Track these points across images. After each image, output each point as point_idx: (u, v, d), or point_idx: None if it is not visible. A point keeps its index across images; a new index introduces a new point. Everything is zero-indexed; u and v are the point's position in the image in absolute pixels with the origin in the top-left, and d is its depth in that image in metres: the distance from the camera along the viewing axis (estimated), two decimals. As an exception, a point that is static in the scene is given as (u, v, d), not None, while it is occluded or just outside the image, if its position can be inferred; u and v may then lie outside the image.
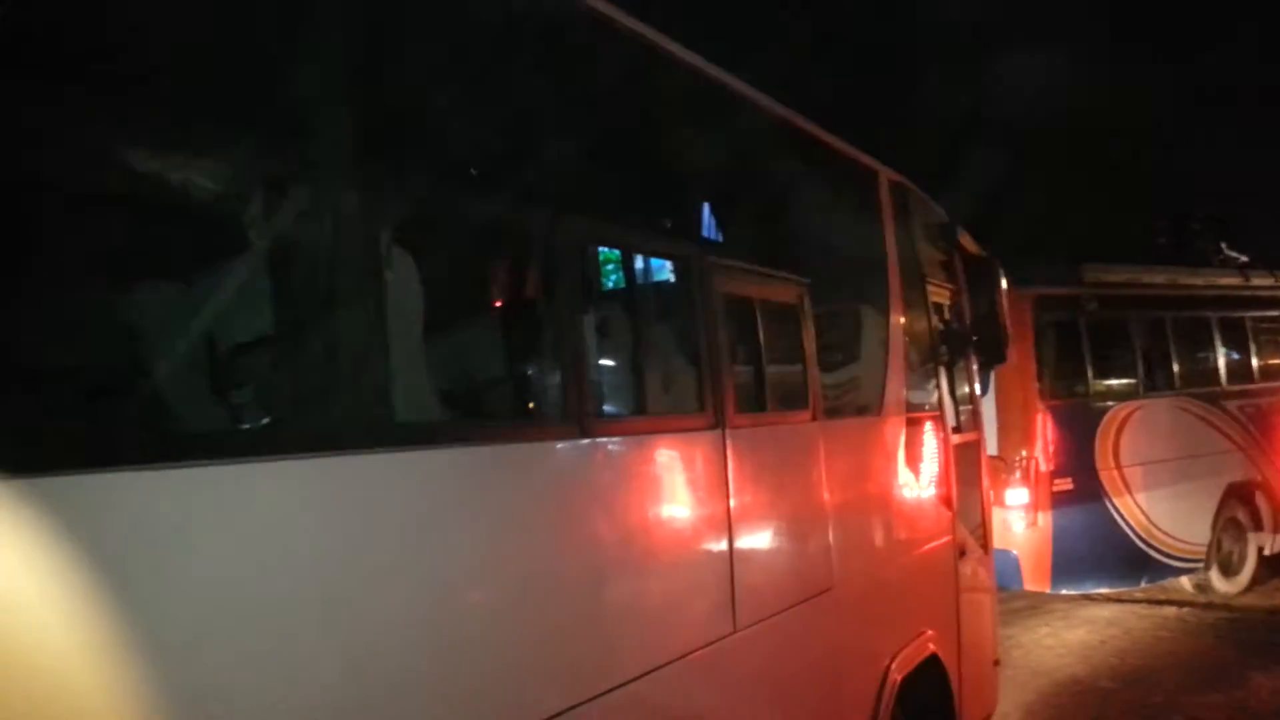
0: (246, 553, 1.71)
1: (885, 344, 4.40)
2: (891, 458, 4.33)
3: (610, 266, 3.24)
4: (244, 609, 1.68)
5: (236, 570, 1.68)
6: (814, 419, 3.71)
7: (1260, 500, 9.41)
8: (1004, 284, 5.45)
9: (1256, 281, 10.14)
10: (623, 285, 3.22)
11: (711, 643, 2.94)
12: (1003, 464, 7.85)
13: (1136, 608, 8.98)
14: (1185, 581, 9.15)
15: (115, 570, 1.49)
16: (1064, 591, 8.47)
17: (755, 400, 3.44)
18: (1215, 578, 9.15)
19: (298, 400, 1.97)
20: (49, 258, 1.61)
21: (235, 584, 1.68)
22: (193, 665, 1.58)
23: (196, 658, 1.59)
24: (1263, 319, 10.09)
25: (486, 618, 2.22)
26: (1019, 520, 7.99)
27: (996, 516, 6.63)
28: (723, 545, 3.05)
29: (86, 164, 1.66)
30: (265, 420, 1.96)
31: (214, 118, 1.82)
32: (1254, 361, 9.92)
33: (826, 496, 3.71)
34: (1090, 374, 8.61)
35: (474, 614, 2.20)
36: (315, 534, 1.84)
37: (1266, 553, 9.45)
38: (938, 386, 4.87)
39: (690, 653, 2.84)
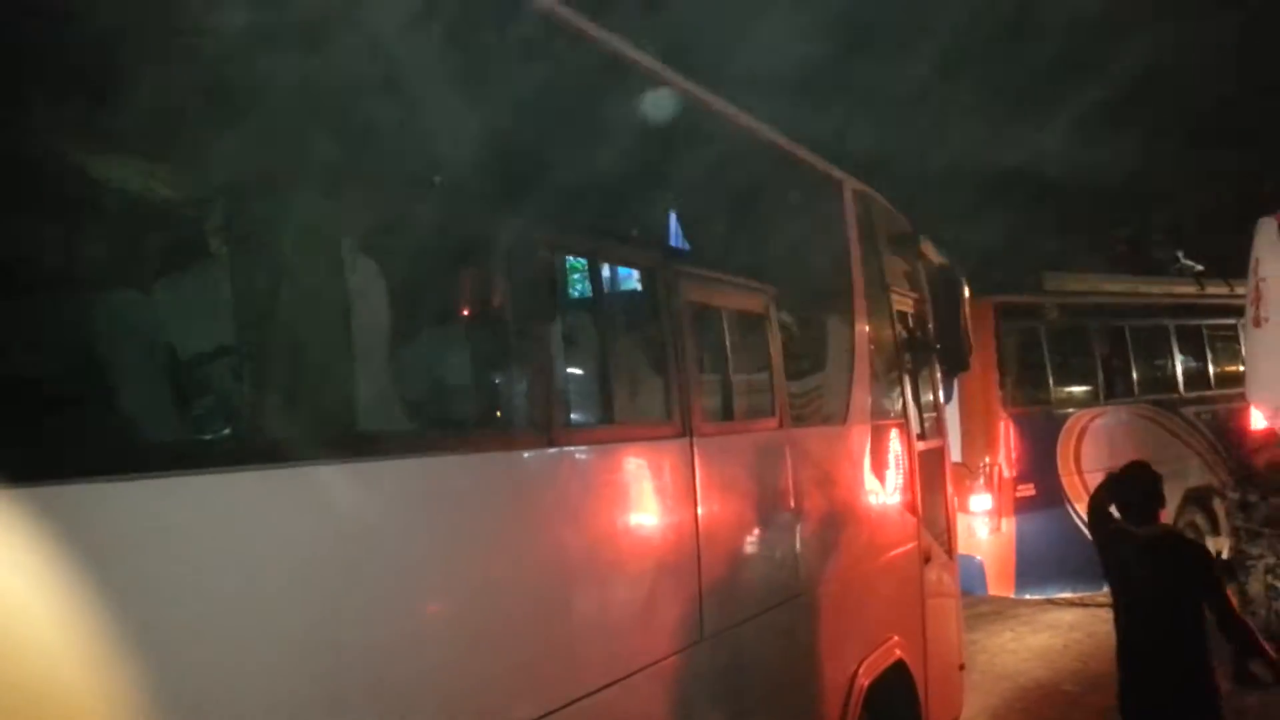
0: (214, 562, 1.69)
1: (850, 352, 4.43)
2: (858, 465, 4.36)
3: (577, 275, 3.24)
4: (211, 617, 1.67)
5: (201, 580, 1.67)
6: (781, 427, 3.73)
7: (1216, 505, 9.58)
8: (966, 293, 5.51)
9: (1211, 290, 10.34)
10: (590, 294, 3.22)
11: (679, 650, 2.95)
12: (966, 470, 7.93)
13: (1099, 611, 9.05)
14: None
15: (88, 579, 1.47)
16: (1028, 596, 8.56)
17: (722, 409, 3.45)
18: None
19: (263, 411, 1.95)
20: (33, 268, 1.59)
21: (201, 593, 1.66)
22: (162, 669, 1.57)
23: (163, 663, 1.58)
24: (1218, 327, 10.28)
25: (452, 627, 2.21)
26: (983, 526, 8.08)
27: (961, 522, 6.69)
28: (691, 553, 3.05)
29: (49, 174, 1.64)
30: (230, 431, 1.94)
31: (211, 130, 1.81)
32: (1210, 369, 10.11)
33: (794, 504, 3.73)
34: (1051, 381, 8.73)
35: (439, 624, 2.19)
36: (280, 544, 1.83)
37: (1223, 556, 9.61)
38: (902, 394, 4.92)
39: (658, 661, 2.84)
